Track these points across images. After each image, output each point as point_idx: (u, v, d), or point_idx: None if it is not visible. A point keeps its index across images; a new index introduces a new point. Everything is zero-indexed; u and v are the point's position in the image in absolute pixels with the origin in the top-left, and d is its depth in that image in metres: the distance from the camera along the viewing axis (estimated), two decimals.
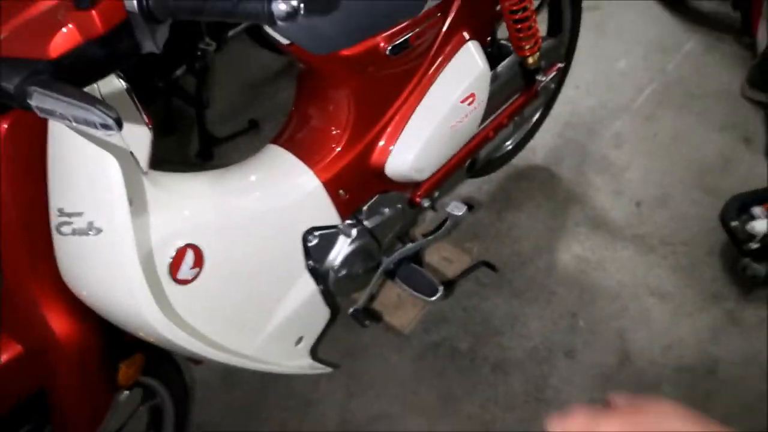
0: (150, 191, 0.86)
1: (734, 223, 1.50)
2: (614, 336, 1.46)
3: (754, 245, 1.45)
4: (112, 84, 0.80)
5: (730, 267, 1.54)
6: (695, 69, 2.06)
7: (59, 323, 0.80)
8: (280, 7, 0.58)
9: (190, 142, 2.10)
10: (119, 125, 0.56)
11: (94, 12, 0.61)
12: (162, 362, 1.10)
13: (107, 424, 0.96)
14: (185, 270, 0.90)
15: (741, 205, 1.54)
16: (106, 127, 0.56)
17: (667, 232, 1.64)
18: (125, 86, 0.81)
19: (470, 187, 1.81)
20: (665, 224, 1.66)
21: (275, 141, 1.15)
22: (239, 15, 0.59)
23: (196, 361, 1.13)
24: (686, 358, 1.41)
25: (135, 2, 0.62)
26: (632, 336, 1.45)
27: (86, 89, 0.69)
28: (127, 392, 1.05)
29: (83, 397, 0.87)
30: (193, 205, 0.94)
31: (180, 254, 0.89)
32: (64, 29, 0.61)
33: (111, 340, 0.91)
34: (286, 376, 1.46)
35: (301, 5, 0.58)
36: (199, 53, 1.82)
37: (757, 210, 1.54)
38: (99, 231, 0.73)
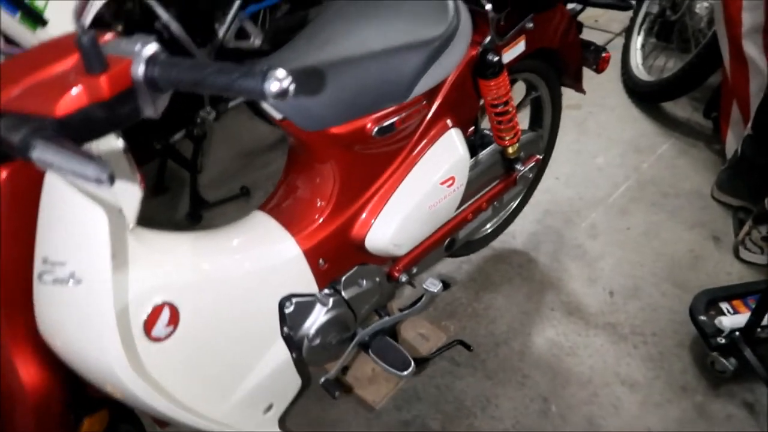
0: (134, 247, 0.89)
1: (702, 318, 1.54)
2: (584, 423, 1.46)
3: (721, 340, 1.48)
4: (111, 142, 0.85)
5: (700, 360, 1.56)
6: (669, 170, 2.17)
7: (27, 370, 0.81)
8: (273, 87, 0.64)
9: (181, 203, 2.15)
10: (111, 181, 0.60)
11: (102, 77, 0.66)
12: (126, 422, 1.09)
13: None
14: (160, 328, 0.92)
15: (709, 301, 1.59)
16: (99, 181, 0.60)
17: (638, 323, 1.67)
18: (123, 146, 0.86)
19: (450, 266, 1.85)
20: (636, 314, 1.69)
21: (262, 207, 1.19)
22: (235, 90, 0.65)
23: (162, 423, 1.12)
24: None
25: (141, 72, 0.68)
26: (602, 423, 1.45)
27: (86, 146, 0.74)
28: None
29: None
30: (174, 263, 0.97)
31: (156, 311, 0.91)
32: (72, 91, 0.67)
33: (76, 394, 0.91)
34: None
35: (292, 87, 0.64)
36: (198, 120, 1.91)
37: (725, 306, 1.59)
38: (79, 282, 0.75)
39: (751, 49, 1.90)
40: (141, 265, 0.90)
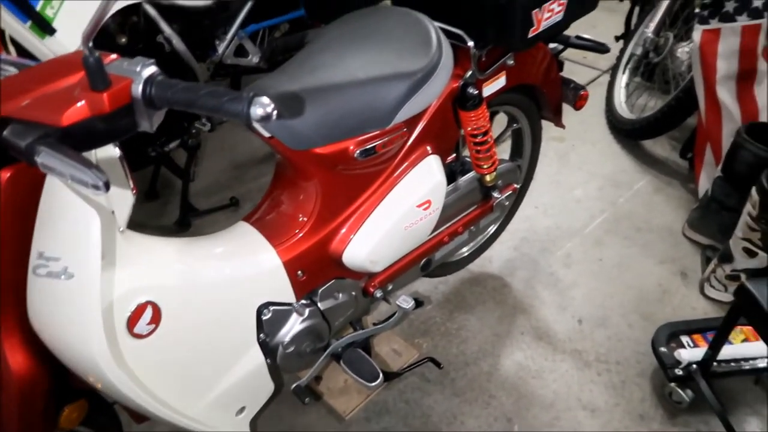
0: (123, 248, 0.95)
1: (663, 349, 1.61)
2: None
3: (679, 371, 1.55)
4: (108, 150, 0.92)
5: (658, 390, 1.63)
6: (644, 206, 2.26)
7: (15, 357, 0.87)
8: (257, 111, 0.72)
9: (171, 210, 2.21)
10: (107, 187, 0.67)
11: (105, 94, 0.74)
12: (103, 415, 1.14)
13: None
14: (142, 325, 0.98)
15: (671, 333, 1.66)
16: (95, 187, 0.67)
17: (603, 351, 1.74)
18: (118, 153, 0.93)
19: (427, 285, 1.92)
20: (602, 343, 1.76)
21: (247, 219, 1.26)
22: (223, 113, 0.72)
23: (139, 418, 1.17)
24: None
25: (139, 91, 0.75)
26: None
27: (84, 154, 0.81)
28: None
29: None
30: (160, 265, 1.04)
31: (140, 309, 0.97)
32: (77, 104, 0.74)
33: (59, 383, 0.96)
34: None
35: (275, 112, 0.72)
36: (194, 131, 1.98)
37: (685, 339, 1.66)
38: (71, 276, 0.82)
39: (724, 95, 2.00)
40: (129, 265, 0.96)
